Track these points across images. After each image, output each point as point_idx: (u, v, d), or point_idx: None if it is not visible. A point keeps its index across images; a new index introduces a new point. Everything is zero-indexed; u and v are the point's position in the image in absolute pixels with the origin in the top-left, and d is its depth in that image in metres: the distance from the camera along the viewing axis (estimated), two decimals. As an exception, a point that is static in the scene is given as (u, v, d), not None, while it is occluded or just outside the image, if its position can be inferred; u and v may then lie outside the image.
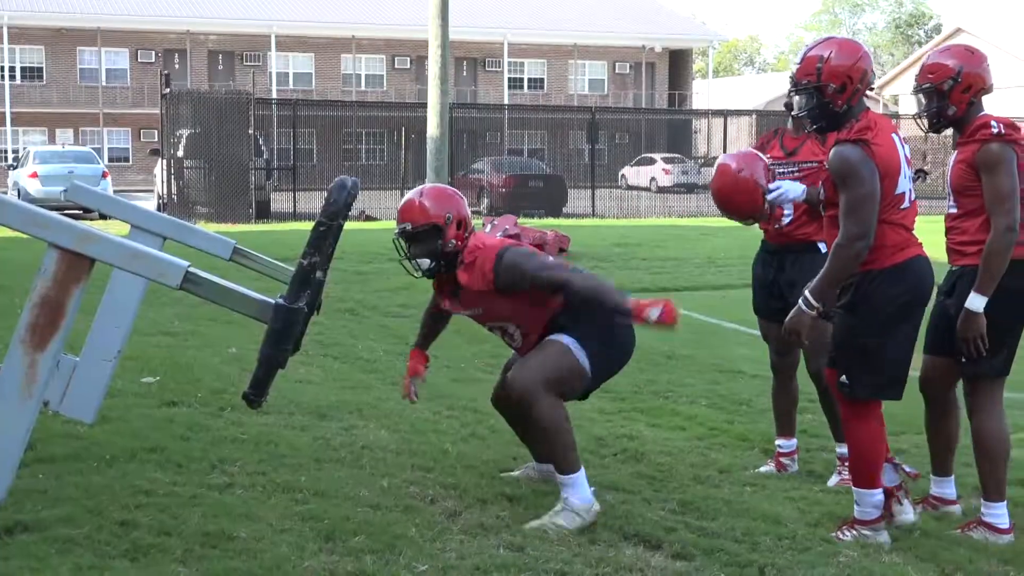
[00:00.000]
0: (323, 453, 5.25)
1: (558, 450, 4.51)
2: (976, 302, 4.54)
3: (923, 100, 4.80)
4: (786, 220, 5.48)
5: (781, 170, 5.40)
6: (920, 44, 73.10)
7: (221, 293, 3.16)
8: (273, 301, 3.18)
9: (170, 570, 3.66)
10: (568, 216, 27.94)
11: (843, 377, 4.48)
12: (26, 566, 3.56)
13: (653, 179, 40.10)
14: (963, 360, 4.66)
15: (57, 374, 3.40)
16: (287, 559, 3.80)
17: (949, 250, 4.79)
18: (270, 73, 47.34)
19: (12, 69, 46.35)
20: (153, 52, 48.07)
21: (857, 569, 4.12)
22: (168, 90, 26.09)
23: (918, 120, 4.90)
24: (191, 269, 3.06)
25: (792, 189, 5.23)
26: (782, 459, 5.61)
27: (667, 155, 41.54)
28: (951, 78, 4.68)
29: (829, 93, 4.43)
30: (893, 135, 4.46)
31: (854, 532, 4.50)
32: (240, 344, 7.92)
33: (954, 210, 4.75)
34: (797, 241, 5.47)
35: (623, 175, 40.03)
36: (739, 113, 34.94)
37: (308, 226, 3.49)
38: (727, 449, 5.94)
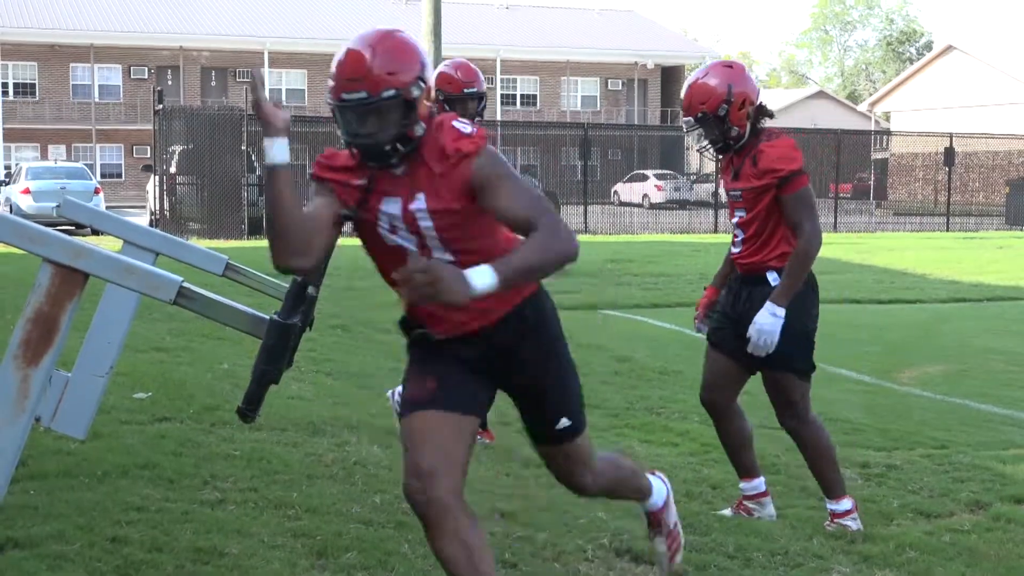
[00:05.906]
0: (315, 469, 5.24)
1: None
2: None
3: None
4: (736, 248, 4.80)
5: (732, 193, 4.81)
6: (911, 61, 73.42)
7: (215, 308, 3.16)
8: (267, 317, 3.19)
9: (162, 586, 3.65)
10: (561, 232, 27.91)
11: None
12: (17, 582, 3.56)
13: (646, 195, 40.21)
14: None
15: (49, 390, 3.40)
16: (279, 575, 3.79)
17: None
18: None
19: (5, 85, 46.39)
20: (146, 68, 48.13)
21: (850, 585, 4.13)
22: (161, 106, 26.12)
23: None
24: (185, 284, 3.05)
25: (768, 329, 4.55)
26: (747, 503, 4.99)
27: (659, 171, 41.66)
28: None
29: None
30: None
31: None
32: (232, 360, 7.90)
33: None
34: (751, 272, 4.73)
35: (615, 191, 40.12)
36: (731, 130, 34.98)
37: (301, 242, 3.47)
38: (719, 465, 5.92)
